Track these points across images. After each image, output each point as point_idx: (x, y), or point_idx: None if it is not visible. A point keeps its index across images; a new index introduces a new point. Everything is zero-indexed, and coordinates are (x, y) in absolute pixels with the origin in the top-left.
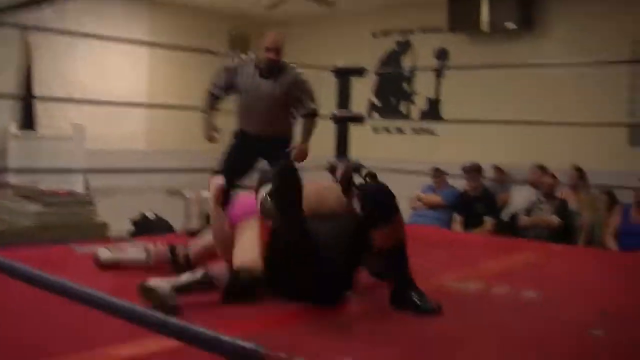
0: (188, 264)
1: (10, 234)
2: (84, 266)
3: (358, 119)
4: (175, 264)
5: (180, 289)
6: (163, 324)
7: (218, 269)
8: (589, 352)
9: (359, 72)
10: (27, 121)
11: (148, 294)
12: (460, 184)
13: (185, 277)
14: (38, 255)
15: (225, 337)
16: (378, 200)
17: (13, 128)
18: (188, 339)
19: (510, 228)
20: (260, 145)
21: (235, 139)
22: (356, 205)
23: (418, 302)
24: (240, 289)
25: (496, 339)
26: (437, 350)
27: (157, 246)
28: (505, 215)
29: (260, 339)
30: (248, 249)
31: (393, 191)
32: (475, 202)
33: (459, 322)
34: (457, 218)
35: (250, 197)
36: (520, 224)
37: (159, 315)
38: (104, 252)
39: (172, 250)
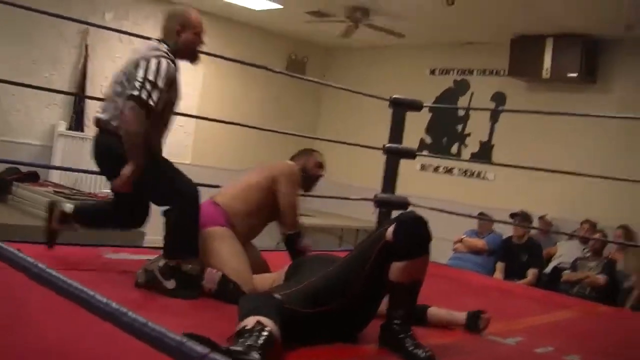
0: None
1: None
2: (107, 271)
3: (409, 154)
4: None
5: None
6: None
7: (212, 274)
8: None
9: (416, 106)
10: (77, 121)
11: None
12: (506, 232)
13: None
14: (67, 255)
15: None
16: (412, 233)
17: (61, 127)
18: None
19: (552, 281)
20: None
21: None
22: (390, 229)
23: (410, 348)
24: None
25: None
26: None
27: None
28: (548, 268)
29: None
30: (229, 265)
31: (435, 231)
32: (519, 251)
33: None
34: (500, 266)
35: (209, 205)
36: (564, 279)
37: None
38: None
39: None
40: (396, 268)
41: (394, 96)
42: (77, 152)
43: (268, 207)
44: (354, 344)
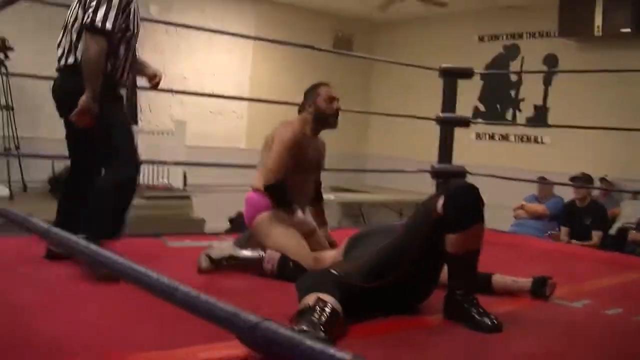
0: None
1: None
2: (169, 259)
3: (463, 123)
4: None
5: (235, 258)
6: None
7: (271, 256)
8: None
9: (467, 73)
10: (131, 114)
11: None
12: (567, 195)
13: (244, 252)
14: (128, 246)
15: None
16: (462, 204)
17: None
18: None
19: (618, 243)
20: None
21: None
22: (439, 202)
23: (476, 317)
24: (289, 274)
25: None
26: None
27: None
28: (613, 229)
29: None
30: (286, 246)
31: (495, 199)
32: (582, 214)
33: (569, 342)
34: (564, 230)
35: (255, 195)
36: (630, 239)
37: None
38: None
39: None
40: (451, 240)
41: (444, 65)
42: None
43: (288, 166)
44: (417, 315)
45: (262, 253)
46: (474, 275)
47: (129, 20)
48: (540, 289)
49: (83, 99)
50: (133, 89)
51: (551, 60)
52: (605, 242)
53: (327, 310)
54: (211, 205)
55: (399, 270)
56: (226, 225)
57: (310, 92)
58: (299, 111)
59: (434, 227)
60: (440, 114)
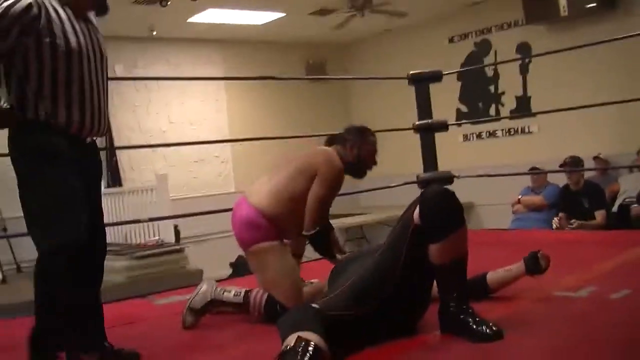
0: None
1: (102, 291)
2: (156, 318)
3: (442, 127)
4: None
5: (218, 303)
6: None
7: (257, 297)
8: None
9: (436, 77)
10: (113, 178)
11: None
12: (563, 181)
13: (227, 295)
14: (112, 311)
15: None
16: (437, 210)
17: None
18: None
19: (622, 220)
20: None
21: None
22: (415, 211)
23: (474, 328)
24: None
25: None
26: None
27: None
28: (615, 207)
29: None
30: (279, 287)
31: (492, 198)
32: (579, 197)
33: (573, 337)
34: (562, 216)
35: (253, 214)
36: (634, 214)
37: None
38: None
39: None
40: (434, 250)
41: (411, 72)
42: (120, 207)
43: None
44: (414, 336)
45: (245, 299)
46: (465, 282)
47: (41, 30)
48: (534, 265)
49: None
50: (111, 149)
51: (524, 49)
52: (610, 221)
53: (310, 349)
54: (208, 254)
55: (383, 292)
56: (228, 271)
57: (358, 135)
58: (334, 142)
59: (415, 239)
60: (416, 122)
